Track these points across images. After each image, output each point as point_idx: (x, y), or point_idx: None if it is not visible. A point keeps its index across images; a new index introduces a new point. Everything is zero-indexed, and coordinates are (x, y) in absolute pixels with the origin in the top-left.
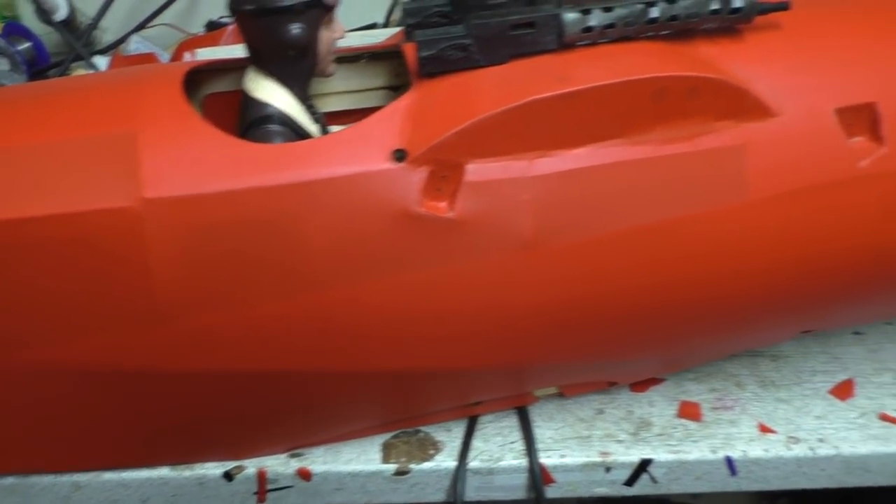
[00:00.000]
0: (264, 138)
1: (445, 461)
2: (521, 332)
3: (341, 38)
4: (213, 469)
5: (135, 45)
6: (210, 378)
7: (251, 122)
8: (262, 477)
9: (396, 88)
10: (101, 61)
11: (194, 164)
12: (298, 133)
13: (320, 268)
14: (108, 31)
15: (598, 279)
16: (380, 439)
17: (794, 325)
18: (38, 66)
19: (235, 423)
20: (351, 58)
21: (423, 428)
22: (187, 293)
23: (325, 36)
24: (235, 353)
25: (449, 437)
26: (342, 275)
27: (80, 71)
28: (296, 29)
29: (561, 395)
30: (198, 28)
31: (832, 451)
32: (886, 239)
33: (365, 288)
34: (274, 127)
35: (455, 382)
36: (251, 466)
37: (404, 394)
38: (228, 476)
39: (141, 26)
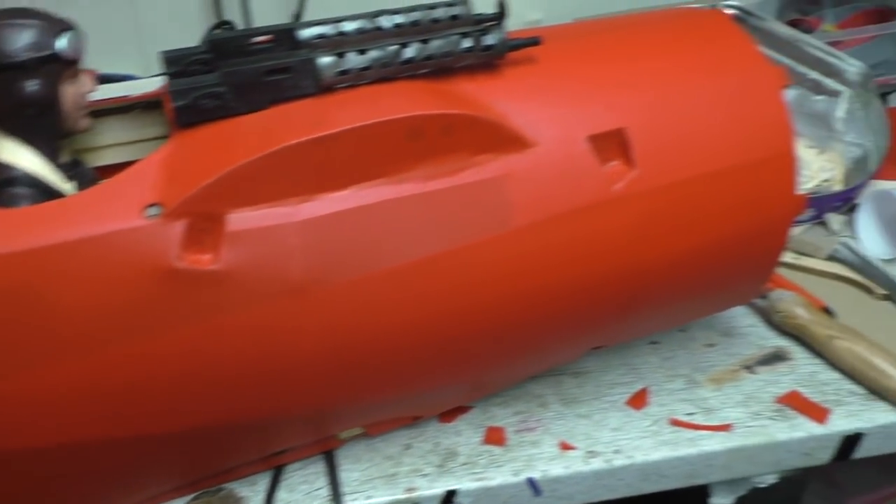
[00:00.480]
0: (9, 202)
1: None
2: (308, 377)
3: (91, 91)
4: None
5: None
6: None
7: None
8: None
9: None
10: None
11: None
12: (49, 194)
13: (84, 331)
14: None
15: (375, 317)
16: (181, 501)
17: (580, 342)
18: None
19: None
20: (123, 108)
21: (226, 485)
22: None
23: (69, 91)
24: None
25: (254, 490)
26: (108, 337)
27: None
28: (32, 86)
29: (366, 434)
30: None
31: (627, 461)
32: (646, 254)
33: (135, 348)
34: (19, 190)
35: (251, 434)
36: None
37: (199, 451)
38: None
39: None
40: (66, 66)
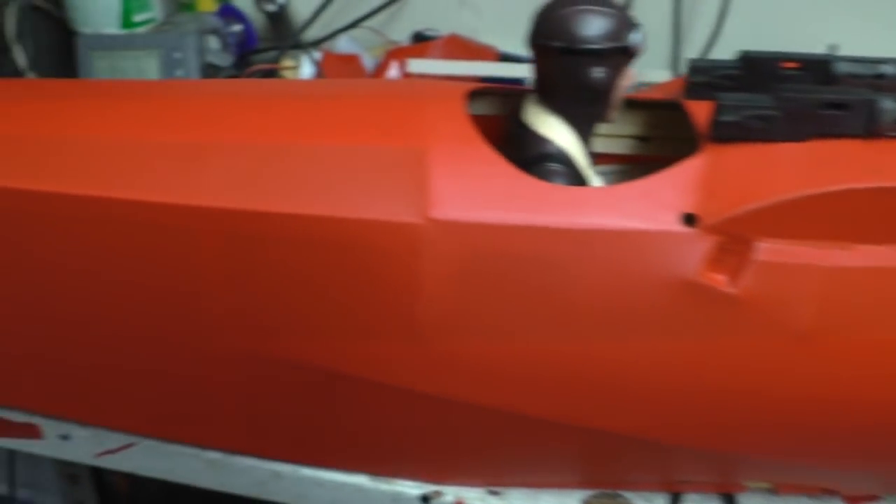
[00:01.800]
0: (545, 176)
1: None
2: (763, 421)
3: (631, 85)
4: (412, 489)
5: (342, 44)
6: (437, 402)
7: (532, 157)
8: None
9: (644, 139)
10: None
11: (480, 192)
12: (577, 177)
13: (584, 318)
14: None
15: (862, 384)
16: (579, 494)
17: None
18: (245, 49)
19: (444, 448)
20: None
21: (623, 492)
22: (448, 318)
23: (622, 83)
24: (473, 385)
25: None
26: (604, 329)
27: (287, 62)
28: (598, 73)
29: (772, 491)
30: (399, 35)
31: None
32: None
33: (624, 347)
34: (555, 166)
35: (672, 457)
36: (449, 494)
37: (615, 456)
38: (425, 499)
39: (350, 26)
40: (629, 59)
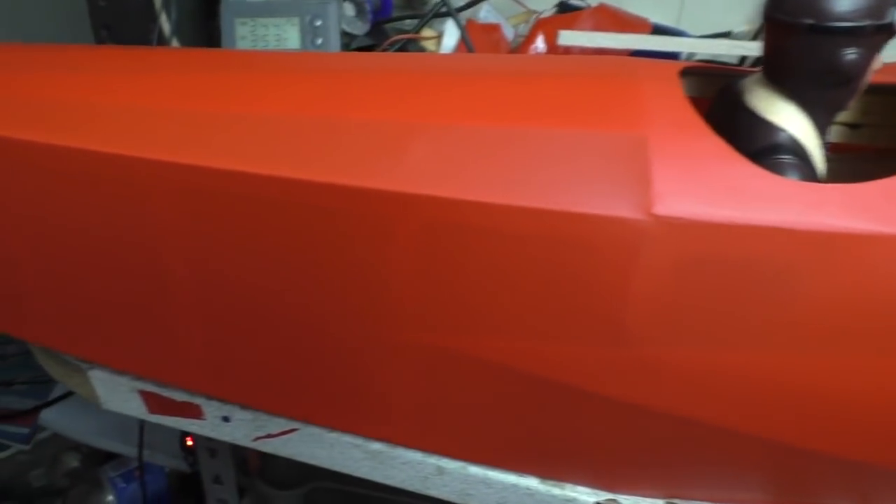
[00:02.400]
0: (777, 170)
1: None
2: None
3: (878, 69)
4: (585, 495)
5: (484, 12)
6: (632, 409)
7: (762, 148)
8: None
9: (854, 126)
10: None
11: (707, 186)
12: (812, 169)
13: (811, 329)
14: None
15: None
16: None
17: None
18: (380, 17)
19: (627, 455)
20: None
21: None
22: (659, 322)
23: (873, 67)
24: (674, 394)
25: None
26: (832, 343)
27: (430, 32)
28: (851, 54)
29: None
30: (538, 5)
31: None
32: None
33: (852, 363)
34: (789, 158)
35: (880, 480)
36: (625, 502)
37: (814, 475)
38: None
39: None
40: (887, 39)
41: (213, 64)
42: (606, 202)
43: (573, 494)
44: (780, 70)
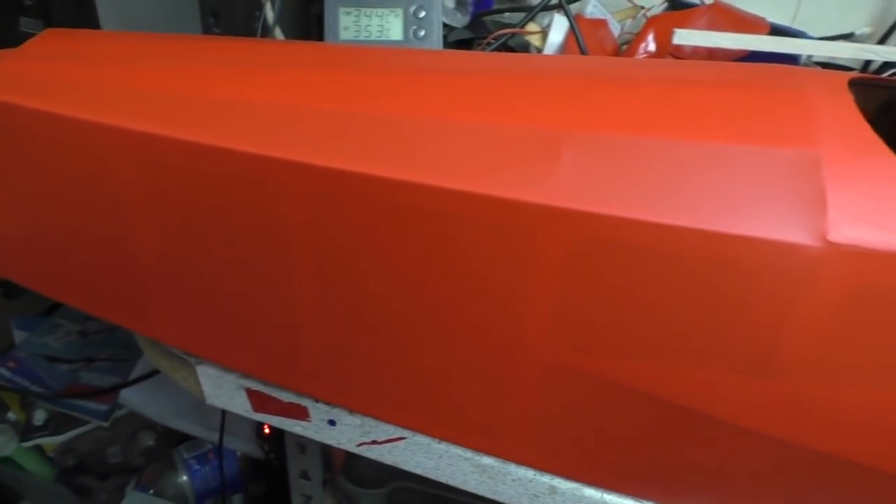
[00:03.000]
0: None
1: None
2: None
3: None
4: None
5: (591, 7)
6: (769, 441)
7: None
8: None
9: None
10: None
11: (887, 211)
12: None
13: None
14: None
15: None
16: None
17: None
18: (481, 9)
19: (748, 485)
20: None
21: None
22: (819, 356)
23: None
24: (827, 432)
25: None
26: None
27: (533, 27)
28: None
29: None
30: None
31: None
32: None
33: None
34: None
35: None
36: None
37: None
38: None
39: None
40: None
41: (332, 61)
42: (775, 226)
43: None
44: None
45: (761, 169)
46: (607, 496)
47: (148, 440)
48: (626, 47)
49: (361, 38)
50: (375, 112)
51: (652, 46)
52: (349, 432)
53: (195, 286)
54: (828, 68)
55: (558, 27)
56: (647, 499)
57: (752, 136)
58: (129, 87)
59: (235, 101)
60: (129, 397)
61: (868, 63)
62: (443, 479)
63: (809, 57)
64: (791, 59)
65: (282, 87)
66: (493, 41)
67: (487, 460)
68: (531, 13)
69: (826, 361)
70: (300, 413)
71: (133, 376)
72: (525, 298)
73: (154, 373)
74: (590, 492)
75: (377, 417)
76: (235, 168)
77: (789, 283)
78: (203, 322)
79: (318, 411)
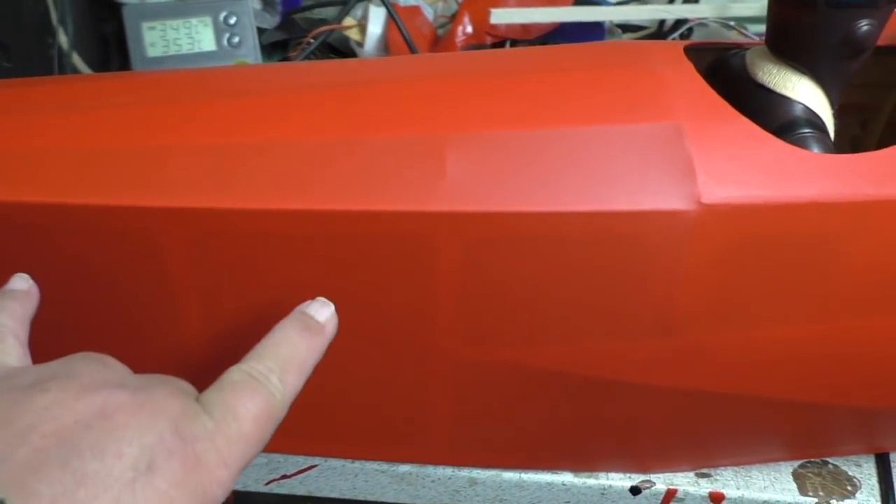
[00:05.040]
0: (802, 145)
1: (868, 500)
2: None
3: None
4: (619, 481)
5: None
6: (670, 393)
7: (784, 124)
8: (670, 495)
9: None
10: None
11: (747, 168)
12: (830, 142)
13: (850, 294)
14: None
15: None
16: (787, 467)
17: None
18: (289, 7)
19: (659, 437)
20: None
21: (830, 460)
22: (705, 308)
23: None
24: (717, 374)
25: (860, 472)
26: (867, 304)
27: (348, 20)
28: (866, 26)
29: None
30: None
31: None
32: None
33: (884, 320)
34: (811, 133)
35: (884, 420)
36: (660, 482)
37: (830, 427)
38: (635, 490)
39: None
40: (893, 9)
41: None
42: (653, 197)
43: (608, 482)
44: (792, 44)
45: (632, 146)
46: (525, 476)
47: None
48: (442, 31)
49: (171, 52)
50: (248, 141)
51: (469, 28)
52: (255, 473)
53: None
54: (626, 30)
55: (375, 19)
56: (564, 469)
57: (619, 116)
58: None
59: (85, 149)
60: None
61: (663, 22)
62: (360, 497)
63: (611, 21)
64: (598, 26)
65: (140, 125)
66: (312, 41)
67: (405, 468)
68: (347, 7)
69: (714, 311)
70: None
71: None
72: (431, 305)
73: None
74: (508, 475)
75: (286, 452)
76: (114, 223)
77: (674, 247)
78: None
79: None
